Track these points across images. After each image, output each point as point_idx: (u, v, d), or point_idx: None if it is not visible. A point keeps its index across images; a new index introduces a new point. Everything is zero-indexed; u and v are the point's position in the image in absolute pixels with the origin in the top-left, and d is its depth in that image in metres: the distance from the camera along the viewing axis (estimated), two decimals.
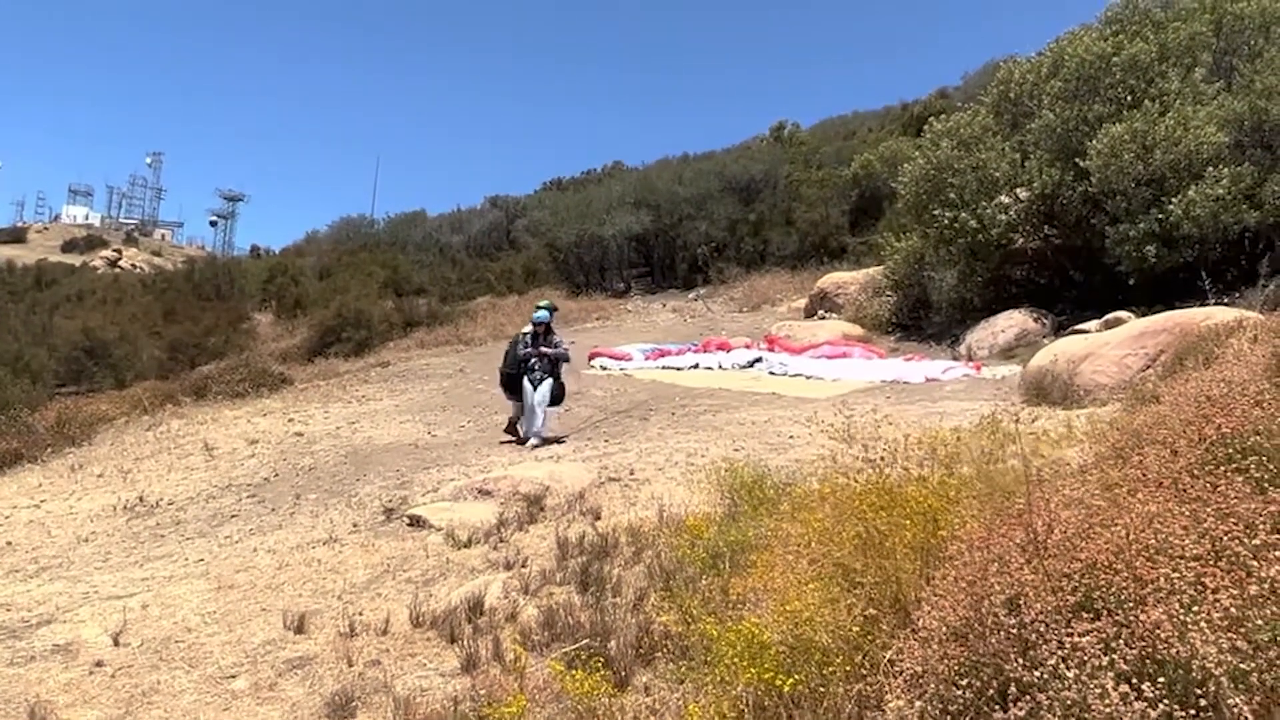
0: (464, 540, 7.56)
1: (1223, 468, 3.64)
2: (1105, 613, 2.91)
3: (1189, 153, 14.26)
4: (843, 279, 22.26)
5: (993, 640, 3.01)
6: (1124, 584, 2.96)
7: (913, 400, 11.70)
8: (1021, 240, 16.90)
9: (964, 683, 2.99)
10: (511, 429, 12.05)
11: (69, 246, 70.33)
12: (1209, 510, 3.24)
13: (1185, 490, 3.49)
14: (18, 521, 11.02)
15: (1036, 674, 2.82)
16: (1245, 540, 2.99)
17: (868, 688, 3.38)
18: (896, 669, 3.28)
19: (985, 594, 3.16)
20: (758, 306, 24.81)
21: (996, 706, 2.87)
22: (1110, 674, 2.68)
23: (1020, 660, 2.90)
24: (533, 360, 11.74)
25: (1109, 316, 13.66)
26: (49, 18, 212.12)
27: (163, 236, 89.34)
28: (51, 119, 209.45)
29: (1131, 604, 2.89)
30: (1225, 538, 3.04)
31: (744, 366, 16.89)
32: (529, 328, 12.26)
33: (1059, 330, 15.15)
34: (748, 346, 18.48)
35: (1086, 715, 2.64)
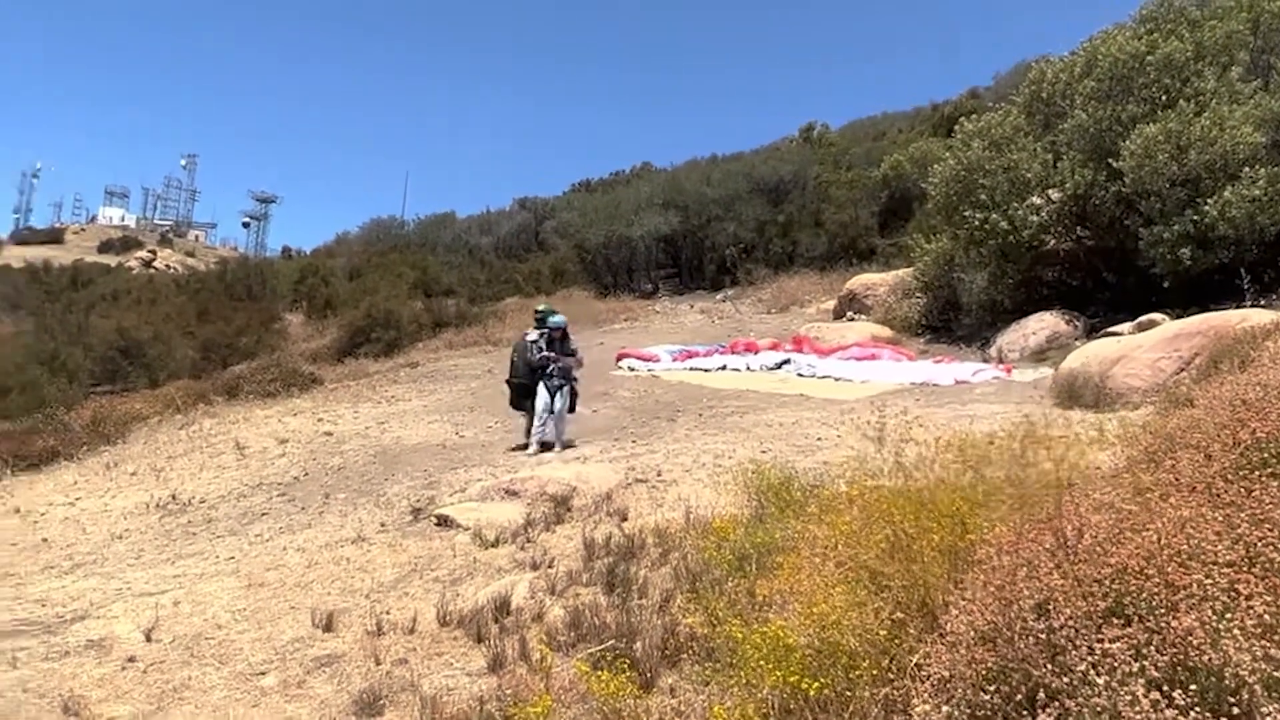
0: (491, 540, 7.60)
1: (1257, 472, 3.58)
2: (1136, 619, 2.88)
3: (1225, 153, 14.05)
4: (872, 280, 22.14)
5: (1021, 645, 2.98)
6: (1155, 590, 2.92)
7: (942, 403, 11.62)
8: (1053, 242, 16.73)
9: (992, 688, 2.96)
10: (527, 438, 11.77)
11: (105, 247, 71.20)
12: (1243, 515, 3.19)
13: (1219, 495, 3.44)
14: (54, 518, 11.20)
15: (1066, 680, 2.79)
16: None
17: (894, 692, 3.36)
18: (924, 673, 3.26)
19: (1014, 598, 3.13)
20: (786, 308, 24.73)
21: (1025, 712, 2.84)
22: (1141, 681, 2.64)
23: (1049, 666, 2.87)
24: (551, 367, 11.51)
25: (1142, 319, 13.50)
26: (87, 23, 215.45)
27: (196, 238, 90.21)
28: (89, 122, 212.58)
29: (1163, 610, 2.85)
30: (1260, 544, 2.99)
31: (771, 368, 16.82)
32: (534, 334, 11.96)
33: (1091, 333, 14.99)
34: (774, 348, 18.40)
35: None
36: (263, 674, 5.60)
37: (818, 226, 29.11)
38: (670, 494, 8.25)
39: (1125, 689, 2.63)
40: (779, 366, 16.86)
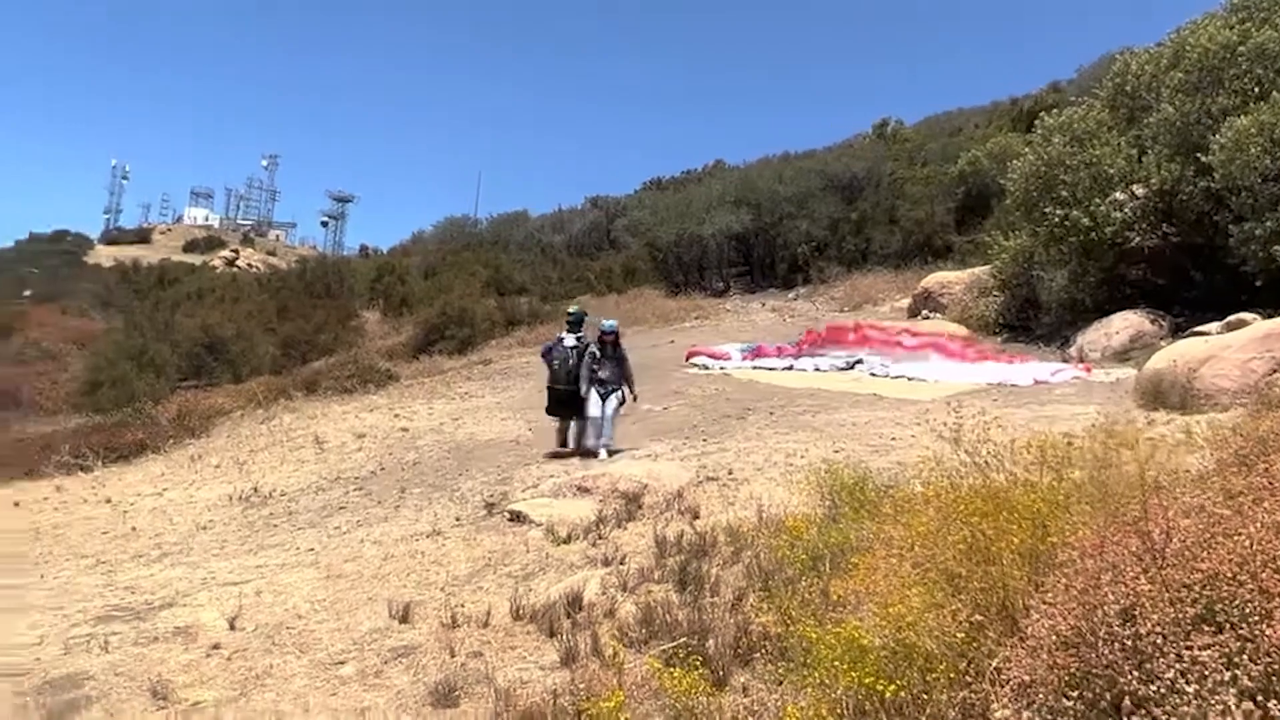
0: (563, 536, 7.65)
1: None
2: (1228, 626, 2.79)
3: None
4: (947, 278, 21.79)
5: (1106, 651, 2.91)
6: (1248, 596, 2.82)
7: (1020, 403, 11.38)
8: (1137, 239, 16.25)
9: (1075, 694, 2.89)
10: (564, 443, 11.64)
11: (190, 247, 73.42)
12: None
13: None
14: (142, 508, 11.57)
15: (1153, 688, 2.71)
16: None
17: (972, 695, 3.30)
18: (1003, 677, 3.19)
19: (1098, 603, 3.06)
20: (859, 306, 24.46)
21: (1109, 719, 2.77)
22: (1233, 690, 2.56)
23: (1135, 673, 2.80)
24: (602, 371, 11.17)
25: (1232, 318, 13.05)
26: (174, 29, 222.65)
27: (277, 237, 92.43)
28: (177, 125, 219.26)
29: (1257, 618, 2.76)
30: None
31: (842, 368, 16.63)
32: (571, 340, 11.55)
33: (1177, 332, 14.56)
34: (855, 331, 18.36)
35: None
36: (341, 663, 5.72)
37: (892, 224, 28.76)
38: (742, 492, 8.22)
39: (1216, 699, 2.56)
40: (850, 367, 16.66)
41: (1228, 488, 3.80)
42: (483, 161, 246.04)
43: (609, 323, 11.80)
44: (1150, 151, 15.74)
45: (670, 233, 30.83)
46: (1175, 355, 10.65)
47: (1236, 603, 2.84)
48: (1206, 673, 2.63)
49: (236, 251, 69.37)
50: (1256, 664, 2.61)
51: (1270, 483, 3.66)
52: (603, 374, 11.22)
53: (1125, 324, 15.49)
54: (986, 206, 25.70)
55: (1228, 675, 2.61)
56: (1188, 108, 15.24)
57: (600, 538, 7.53)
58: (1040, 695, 3.00)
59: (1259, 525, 3.11)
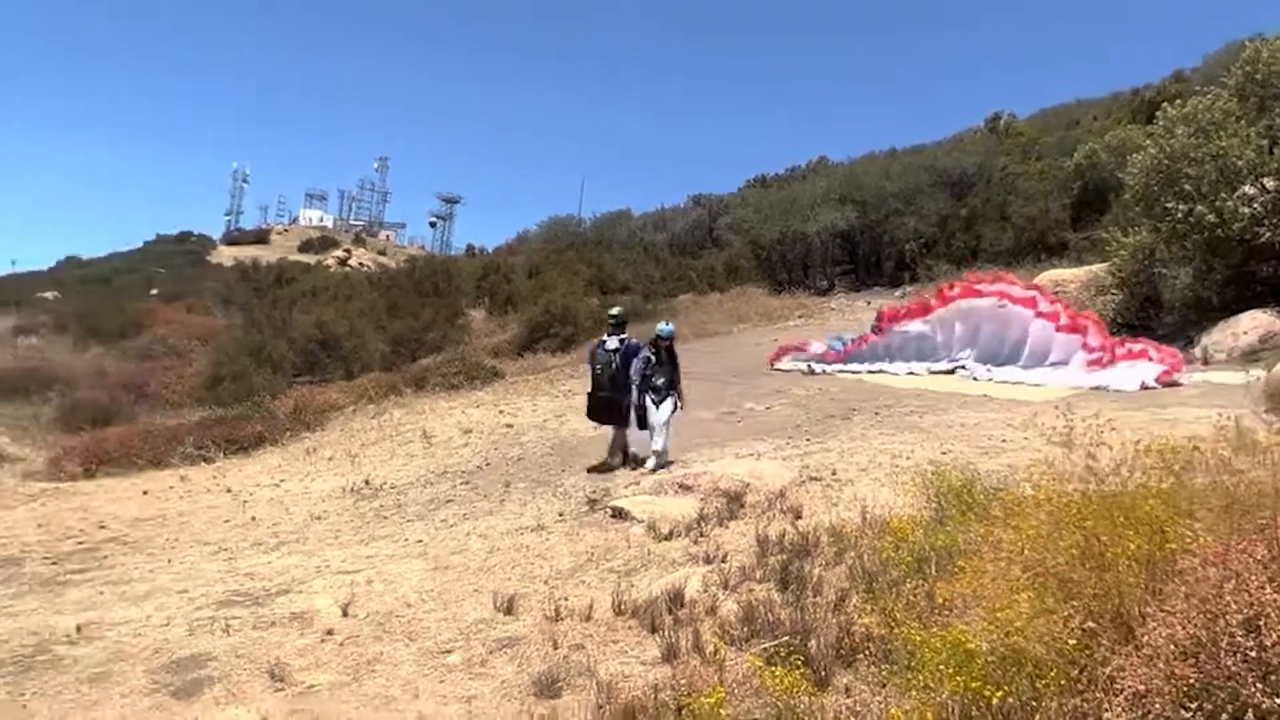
0: (665, 533, 7.69)
1: None
2: None
3: None
4: (1062, 276, 21.10)
5: (1228, 662, 2.80)
6: None
7: (1139, 405, 10.97)
8: (1268, 234, 15.47)
9: (1194, 705, 2.80)
10: (610, 459, 11.01)
11: (305, 247, 76.06)
12: None
13: None
14: (261, 499, 12.04)
15: (1279, 701, 2.60)
16: None
17: (1084, 704, 3.21)
18: (1116, 686, 3.10)
19: (1220, 612, 2.94)
20: None
21: None
22: None
23: (1259, 685, 2.69)
24: (657, 377, 10.67)
25: None
26: (293, 40, 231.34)
27: (387, 237, 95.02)
28: (294, 130, 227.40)
29: None
30: None
31: (945, 372, 16.12)
32: (613, 343, 11.16)
33: None
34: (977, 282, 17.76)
35: None
36: (448, 652, 5.86)
37: (1003, 220, 27.99)
38: (845, 493, 8.12)
39: None
40: (951, 372, 16.16)
41: None
42: (587, 162, 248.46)
43: (665, 326, 11.21)
44: None
45: (774, 230, 30.59)
46: None
47: None
48: None
49: (349, 251, 71.55)
50: None
51: None
52: (657, 380, 10.74)
53: (1254, 323, 14.77)
54: (1104, 202, 24.82)
55: None
56: None
57: (702, 535, 7.54)
58: (1156, 705, 2.91)
59: None
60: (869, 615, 4.94)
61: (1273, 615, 2.81)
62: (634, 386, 10.77)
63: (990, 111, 43.23)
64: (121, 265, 64.15)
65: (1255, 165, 15.19)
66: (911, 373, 16.30)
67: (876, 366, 16.85)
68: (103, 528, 10.84)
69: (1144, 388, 12.81)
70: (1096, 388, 13.17)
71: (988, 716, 3.41)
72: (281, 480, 13.12)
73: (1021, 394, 13.19)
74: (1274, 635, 2.74)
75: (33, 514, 11.67)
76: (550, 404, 16.23)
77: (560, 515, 8.94)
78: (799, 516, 7.63)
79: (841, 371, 16.87)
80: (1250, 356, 13.94)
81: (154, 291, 47.23)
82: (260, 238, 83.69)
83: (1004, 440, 9.50)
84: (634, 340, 11.30)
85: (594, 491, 9.61)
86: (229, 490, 12.69)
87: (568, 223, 46.52)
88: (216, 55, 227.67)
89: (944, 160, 32.56)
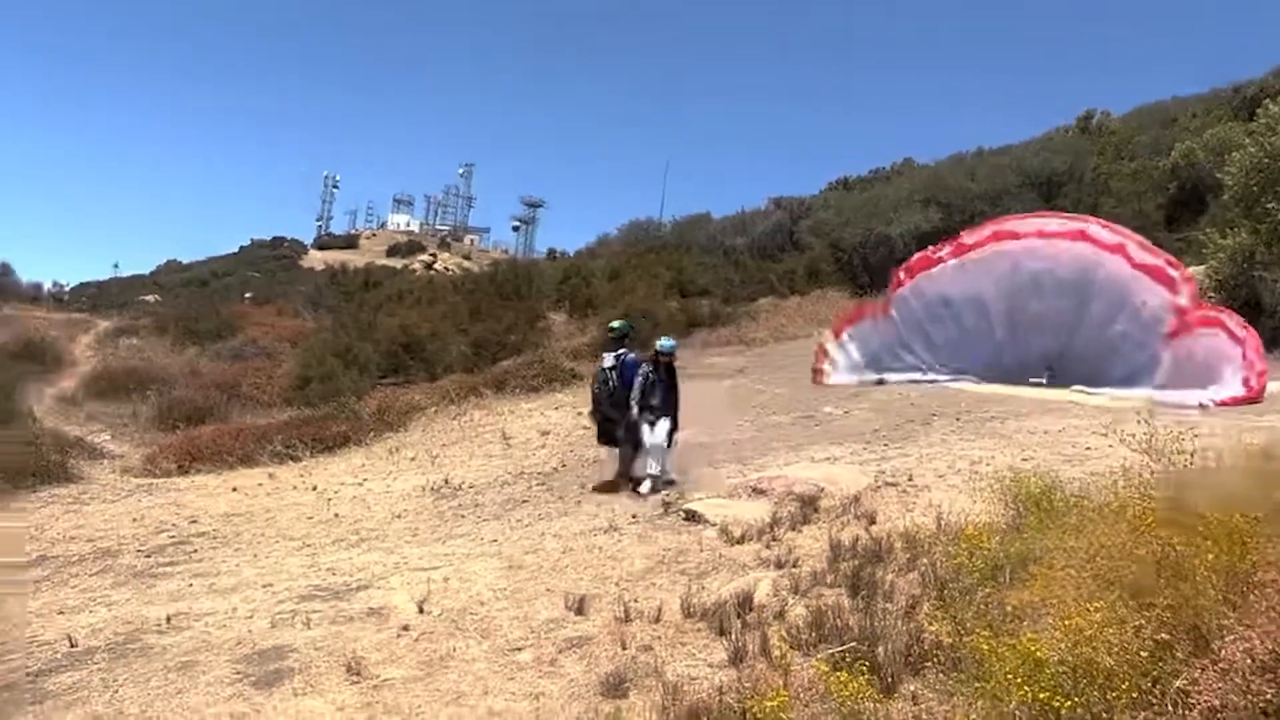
0: (737, 537, 7.67)
1: None
2: None
3: None
4: None
5: None
6: None
7: (1229, 415, 10.58)
8: None
9: None
10: (619, 478, 10.53)
11: (392, 251, 77.70)
12: None
13: None
14: (344, 497, 12.34)
15: None
16: None
17: (1155, 717, 3.12)
18: (1190, 701, 3.01)
19: None
20: None
21: None
22: None
23: None
24: (653, 396, 10.20)
25: None
26: (382, 49, 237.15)
27: (471, 241, 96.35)
28: (382, 137, 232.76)
29: None
30: None
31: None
32: (609, 359, 10.70)
33: None
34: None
35: None
36: (519, 650, 5.94)
37: None
38: (921, 499, 8.01)
39: None
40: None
41: None
42: (668, 165, 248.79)
43: (666, 342, 10.62)
44: None
45: (856, 233, 30.22)
46: None
47: None
48: None
49: (434, 255, 72.84)
50: None
51: None
52: (653, 399, 10.23)
53: None
54: (1201, 202, 24.02)
55: None
56: None
57: (774, 539, 7.51)
58: None
59: None
60: (939, 623, 4.87)
61: None
62: (633, 403, 10.29)
63: (1083, 110, 42.06)
64: (218, 269, 66.44)
65: None
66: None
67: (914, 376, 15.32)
68: (194, 522, 11.23)
69: (1202, 407, 11.69)
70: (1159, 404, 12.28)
71: None
72: (364, 479, 13.43)
73: (1110, 401, 12.79)
74: None
75: (129, 509, 12.15)
76: None
77: (634, 517, 8.97)
78: (873, 522, 7.55)
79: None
80: None
81: (248, 295, 48.73)
82: (349, 242, 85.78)
83: (1088, 448, 9.25)
84: (631, 355, 10.73)
85: (668, 494, 9.63)
86: (314, 488, 13.03)
87: (648, 226, 46.58)
88: (309, 67, 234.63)
89: (1031, 161, 31.78)
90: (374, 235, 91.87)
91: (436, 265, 67.46)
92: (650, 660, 5.49)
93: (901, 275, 15.84)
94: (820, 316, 25.22)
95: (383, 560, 8.67)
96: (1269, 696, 2.78)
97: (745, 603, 6.08)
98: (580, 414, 15.82)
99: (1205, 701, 2.93)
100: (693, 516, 8.49)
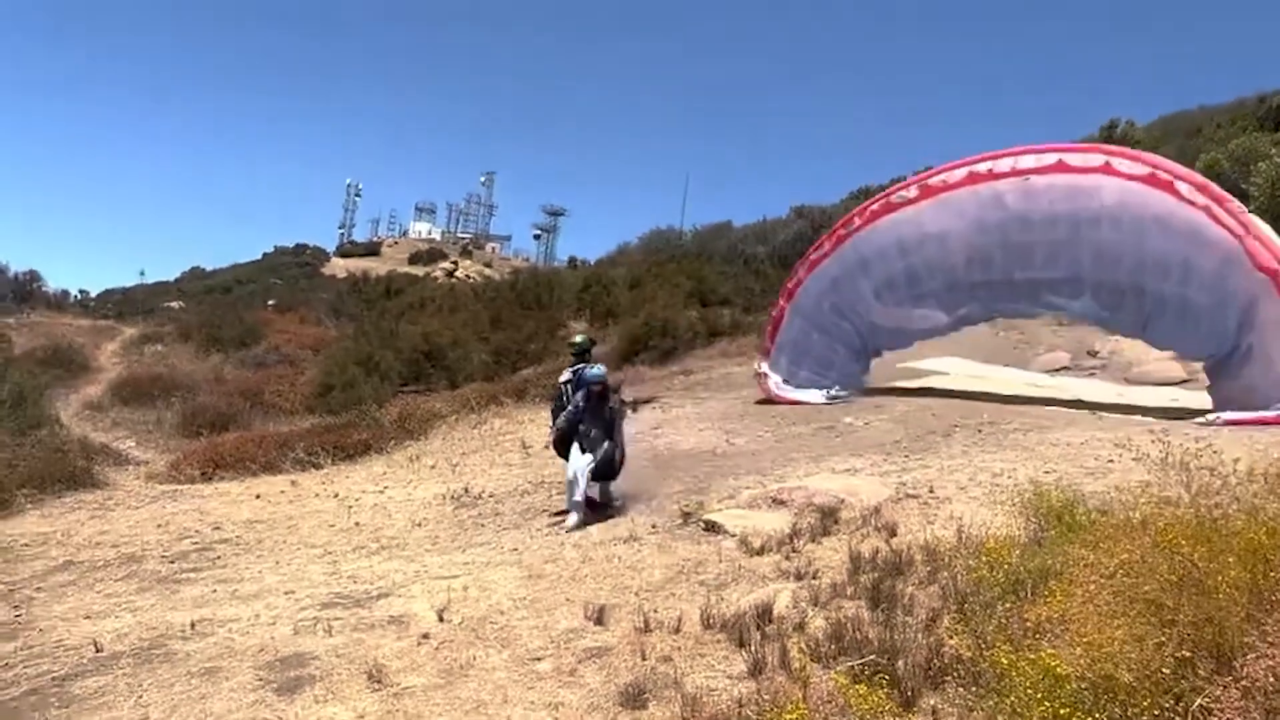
0: (757, 548, 7.67)
1: None
2: None
3: None
4: None
5: None
6: None
7: (1261, 428, 10.49)
8: None
9: None
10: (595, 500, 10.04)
11: (414, 259, 77.96)
12: None
13: None
14: (365, 504, 12.41)
15: None
16: None
17: None
18: (1212, 718, 3.00)
19: None
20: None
21: None
22: None
23: None
24: (587, 426, 9.89)
25: None
26: (404, 59, 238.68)
27: (493, 249, 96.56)
28: (404, 145, 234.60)
29: None
30: None
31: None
32: (567, 374, 10.54)
33: None
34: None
35: None
36: (539, 659, 5.96)
37: None
38: (942, 511, 7.98)
39: None
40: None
41: None
42: (689, 174, 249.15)
43: (592, 371, 10.12)
44: None
45: None
46: None
47: None
48: None
49: (456, 263, 72.99)
50: None
51: None
52: (590, 430, 9.89)
53: None
54: None
55: None
56: None
57: (794, 551, 7.50)
58: None
59: None
60: (960, 637, 4.86)
61: None
62: (553, 429, 10.22)
63: (1107, 119, 41.80)
64: (242, 276, 66.87)
65: None
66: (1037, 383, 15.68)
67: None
68: (217, 529, 11.33)
69: (1228, 423, 11.22)
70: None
71: None
72: (385, 487, 13.50)
73: (1136, 413, 12.71)
74: None
75: (154, 515, 12.27)
76: (648, 416, 16.31)
77: (654, 527, 8.98)
78: (893, 534, 7.53)
79: (944, 381, 16.40)
80: None
81: (271, 302, 49.03)
82: (371, 250, 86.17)
83: (1110, 461, 9.18)
84: (592, 370, 10.29)
85: (688, 504, 9.61)
86: (336, 495, 13.11)
87: (668, 235, 46.64)
88: (332, 76, 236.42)
89: None
90: (396, 243, 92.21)
91: (458, 273, 67.59)
92: (669, 671, 5.49)
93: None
94: None
95: (403, 568, 8.72)
96: None
97: (765, 614, 6.07)
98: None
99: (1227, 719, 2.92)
100: (712, 527, 8.49)
